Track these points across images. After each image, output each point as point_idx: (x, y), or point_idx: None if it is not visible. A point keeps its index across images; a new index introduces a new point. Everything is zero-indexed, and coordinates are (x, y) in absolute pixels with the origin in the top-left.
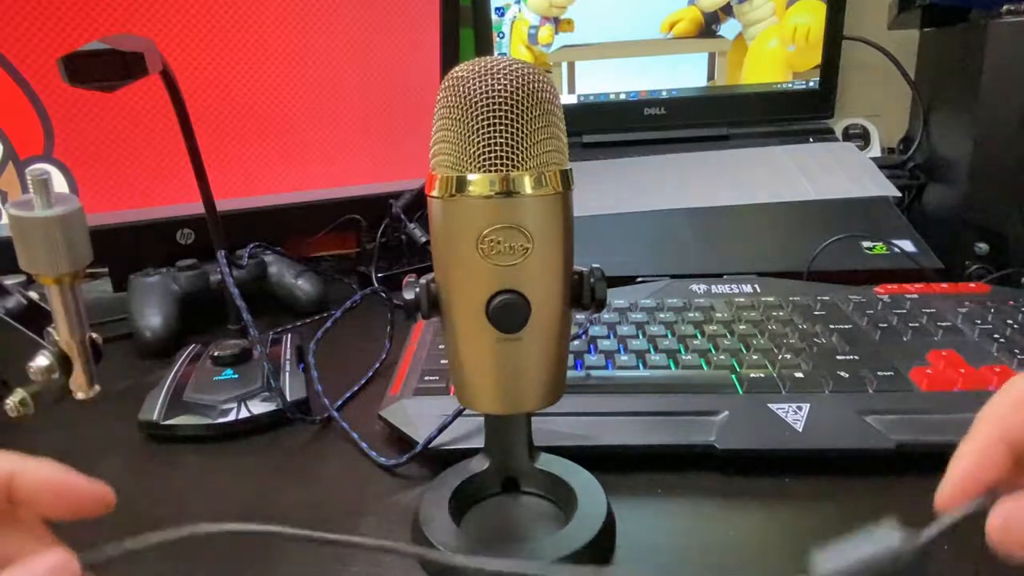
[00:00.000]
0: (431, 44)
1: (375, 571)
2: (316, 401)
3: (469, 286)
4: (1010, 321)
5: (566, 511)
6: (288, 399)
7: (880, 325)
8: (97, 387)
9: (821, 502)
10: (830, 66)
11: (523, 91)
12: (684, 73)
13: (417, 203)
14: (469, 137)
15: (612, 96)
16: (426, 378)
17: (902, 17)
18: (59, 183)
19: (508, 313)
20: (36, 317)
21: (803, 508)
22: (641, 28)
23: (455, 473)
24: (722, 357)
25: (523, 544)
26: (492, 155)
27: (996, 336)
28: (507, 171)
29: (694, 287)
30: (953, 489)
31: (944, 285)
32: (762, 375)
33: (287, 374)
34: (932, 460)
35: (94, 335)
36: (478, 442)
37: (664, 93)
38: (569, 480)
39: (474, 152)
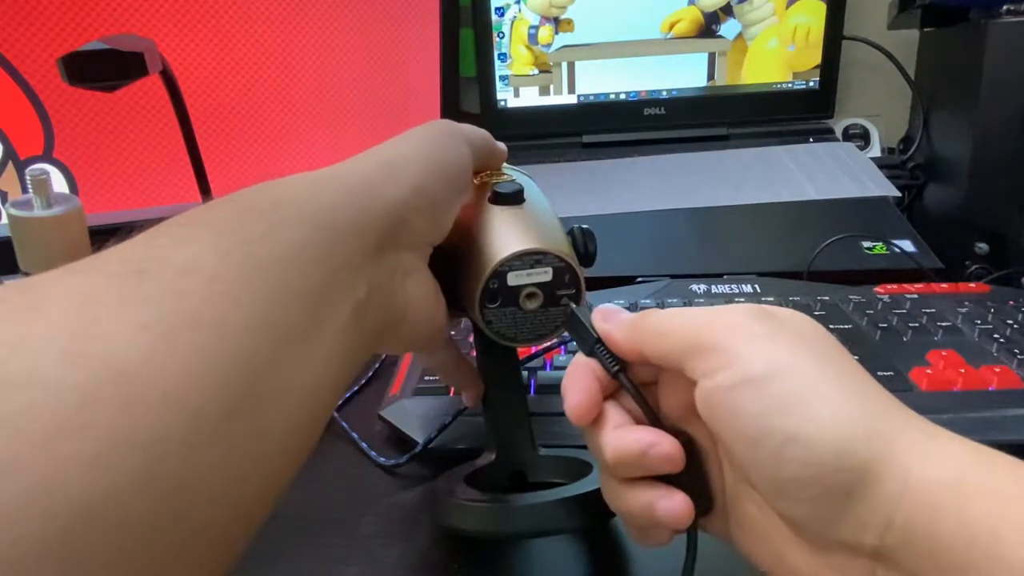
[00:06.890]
0: (431, 44)
1: (375, 570)
2: None
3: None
4: (1010, 321)
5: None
6: None
7: (880, 325)
8: None
9: None
10: (830, 66)
11: None
12: (684, 73)
13: None
14: None
15: (612, 96)
16: (426, 378)
17: (902, 17)
18: (59, 183)
19: (507, 186)
20: None
21: None
22: (641, 28)
23: (461, 469)
24: None
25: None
26: None
27: (996, 336)
28: None
29: (694, 287)
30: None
31: (944, 285)
32: None
33: None
34: None
35: None
36: (478, 442)
37: (664, 93)
38: (579, 457)
39: None
